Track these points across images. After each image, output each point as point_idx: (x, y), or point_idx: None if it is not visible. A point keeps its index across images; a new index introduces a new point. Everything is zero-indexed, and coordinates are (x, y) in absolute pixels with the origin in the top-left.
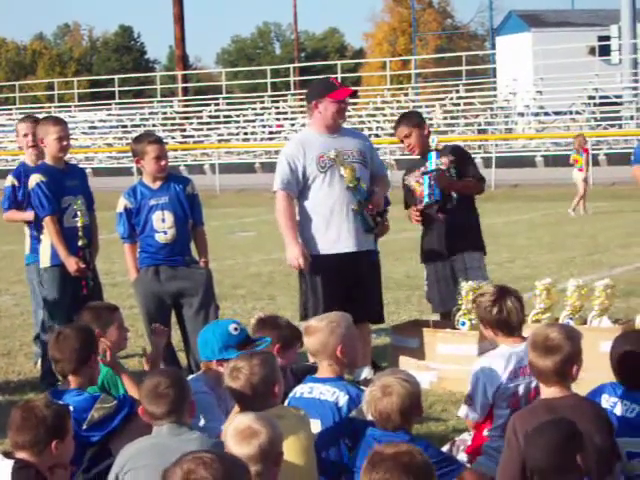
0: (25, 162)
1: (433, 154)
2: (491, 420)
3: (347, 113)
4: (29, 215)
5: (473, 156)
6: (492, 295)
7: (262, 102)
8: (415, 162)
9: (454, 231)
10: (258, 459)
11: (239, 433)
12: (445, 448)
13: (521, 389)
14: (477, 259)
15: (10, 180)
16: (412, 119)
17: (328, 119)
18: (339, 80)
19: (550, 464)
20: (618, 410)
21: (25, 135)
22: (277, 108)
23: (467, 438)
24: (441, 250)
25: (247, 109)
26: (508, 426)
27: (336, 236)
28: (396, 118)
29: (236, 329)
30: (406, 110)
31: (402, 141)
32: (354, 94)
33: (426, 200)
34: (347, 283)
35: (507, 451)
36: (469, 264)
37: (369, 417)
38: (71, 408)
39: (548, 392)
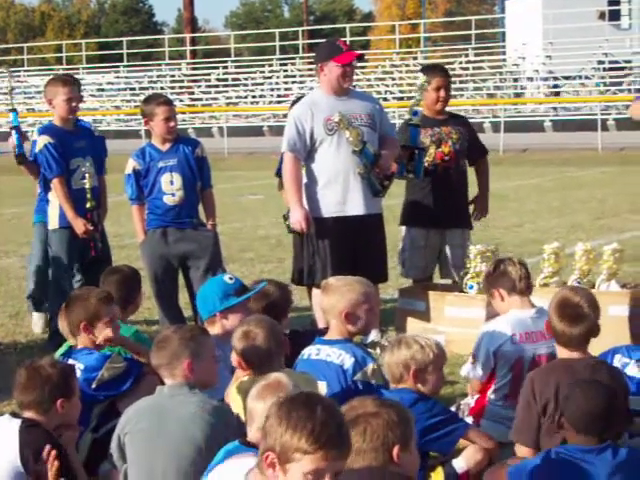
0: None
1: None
2: (493, 383)
3: (355, 77)
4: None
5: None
6: (494, 260)
7: (271, 65)
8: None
9: (459, 202)
10: None
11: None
12: None
13: (526, 355)
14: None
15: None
16: (447, 71)
17: (333, 82)
18: (347, 43)
19: (601, 412)
20: (629, 371)
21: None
22: (285, 71)
23: (471, 402)
24: (439, 217)
25: (255, 72)
26: (525, 388)
27: (342, 199)
28: (405, 82)
29: (231, 278)
30: (416, 73)
31: (438, 90)
32: (360, 58)
33: (412, 176)
34: (353, 245)
35: (525, 412)
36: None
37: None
38: (81, 367)
39: (567, 353)
